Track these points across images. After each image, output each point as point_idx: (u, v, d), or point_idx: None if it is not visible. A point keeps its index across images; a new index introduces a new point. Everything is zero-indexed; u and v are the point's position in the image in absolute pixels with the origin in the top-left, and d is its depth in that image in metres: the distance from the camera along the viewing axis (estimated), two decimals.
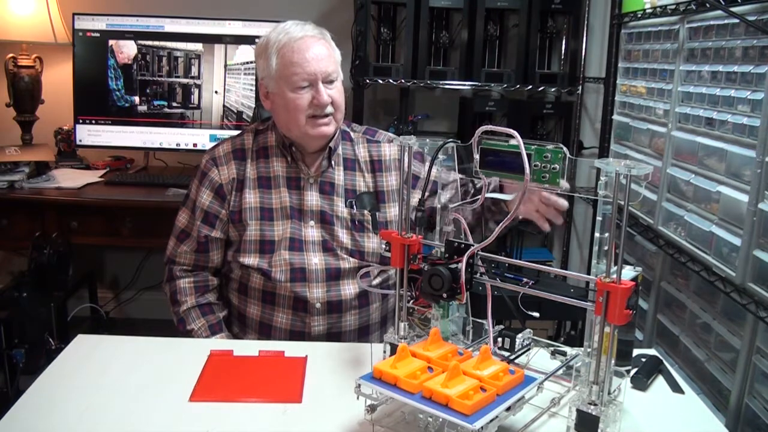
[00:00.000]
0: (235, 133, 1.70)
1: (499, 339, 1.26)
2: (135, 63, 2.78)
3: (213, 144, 1.70)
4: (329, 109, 1.53)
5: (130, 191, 2.57)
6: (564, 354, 1.29)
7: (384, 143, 1.65)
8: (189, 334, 1.56)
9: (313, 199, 1.58)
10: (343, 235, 1.58)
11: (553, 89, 2.79)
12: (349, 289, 1.57)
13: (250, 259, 1.55)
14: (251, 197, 1.57)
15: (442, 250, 1.19)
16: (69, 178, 2.62)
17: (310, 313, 1.55)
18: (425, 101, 3.00)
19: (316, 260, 1.55)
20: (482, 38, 2.70)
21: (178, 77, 2.81)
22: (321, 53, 1.52)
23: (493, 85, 2.73)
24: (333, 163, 1.61)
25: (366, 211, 1.60)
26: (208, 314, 1.59)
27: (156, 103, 2.81)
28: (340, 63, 1.59)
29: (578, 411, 1.04)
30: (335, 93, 1.54)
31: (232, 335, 1.61)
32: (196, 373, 1.27)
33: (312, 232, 1.57)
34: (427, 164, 1.20)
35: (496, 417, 0.98)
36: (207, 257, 1.61)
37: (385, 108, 3.04)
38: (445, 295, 1.14)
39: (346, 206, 1.59)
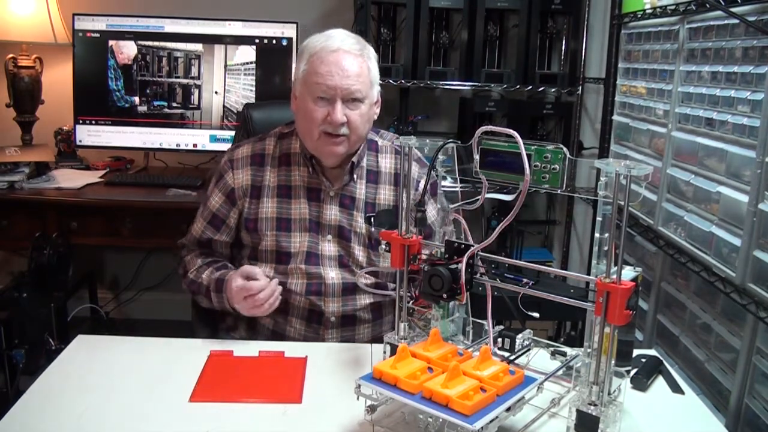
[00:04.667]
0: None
1: (499, 339, 1.26)
2: (135, 63, 2.78)
3: (235, 144, 1.67)
4: (343, 130, 1.46)
5: (130, 192, 2.57)
6: (564, 354, 1.29)
7: (411, 160, 1.61)
8: (200, 290, 1.54)
9: (332, 213, 1.55)
10: (359, 253, 1.55)
11: (553, 89, 2.79)
12: (363, 302, 1.55)
13: (266, 269, 1.53)
14: (268, 206, 1.54)
15: (442, 250, 1.19)
16: (69, 179, 2.62)
17: (325, 326, 1.54)
18: (425, 101, 3.00)
19: (333, 274, 1.53)
20: (482, 38, 2.70)
21: (178, 78, 2.80)
22: (350, 70, 1.44)
23: (493, 85, 2.73)
24: (355, 176, 1.57)
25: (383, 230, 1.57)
26: (214, 264, 1.58)
27: (156, 103, 2.81)
28: (376, 83, 1.52)
29: (578, 411, 1.04)
30: (354, 114, 1.46)
31: (240, 338, 1.59)
32: (196, 373, 1.27)
33: (329, 246, 1.54)
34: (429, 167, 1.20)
35: (496, 417, 0.99)
36: (211, 250, 1.62)
37: (385, 108, 3.02)
38: (445, 296, 1.14)
39: (365, 221, 1.56)
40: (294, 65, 1.50)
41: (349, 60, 1.45)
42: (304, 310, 1.54)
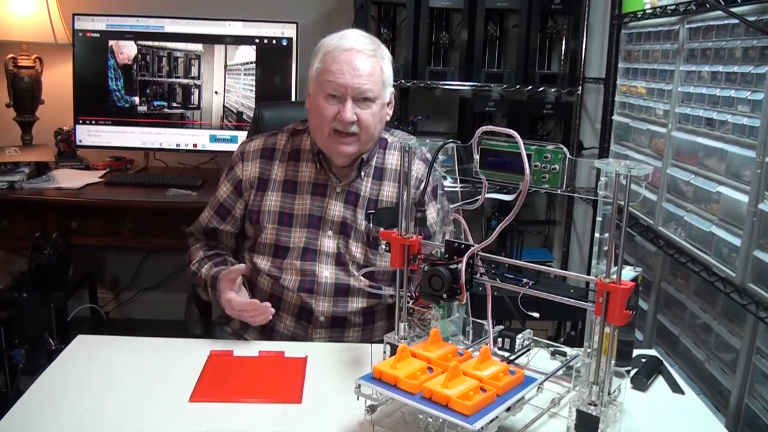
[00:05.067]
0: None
1: (499, 339, 1.26)
2: (135, 63, 2.78)
3: (250, 137, 1.69)
4: (353, 129, 1.47)
5: (130, 192, 2.57)
6: (564, 354, 1.29)
7: (416, 159, 1.57)
8: (199, 283, 1.57)
9: (336, 208, 1.55)
10: (357, 250, 1.55)
11: (553, 89, 2.79)
12: (355, 305, 1.55)
13: (263, 262, 1.55)
14: (272, 200, 1.56)
15: (442, 250, 1.19)
16: (69, 179, 2.62)
17: (314, 325, 1.54)
18: (425, 101, 3.00)
19: (326, 273, 1.54)
20: (482, 38, 2.70)
21: (178, 78, 2.80)
22: (362, 69, 1.45)
23: (493, 85, 2.73)
24: (363, 173, 1.57)
25: (382, 229, 1.53)
26: (215, 258, 1.59)
27: (156, 103, 2.81)
28: (389, 84, 1.52)
29: (578, 411, 1.04)
30: (365, 114, 1.47)
31: (233, 331, 1.61)
32: (196, 373, 1.27)
33: (328, 242, 1.55)
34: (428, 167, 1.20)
35: (496, 417, 0.99)
36: (216, 241, 1.64)
37: None
38: (445, 296, 1.14)
39: (365, 218, 1.56)
40: (294, 65, 1.50)
41: (362, 59, 1.46)
42: (295, 307, 1.54)
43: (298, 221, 1.55)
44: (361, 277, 1.55)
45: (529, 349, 1.28)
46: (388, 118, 1.57)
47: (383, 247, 1.23)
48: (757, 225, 1.46)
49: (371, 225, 1.55)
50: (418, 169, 1.58)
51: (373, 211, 1.56)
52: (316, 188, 1.56)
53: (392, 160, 1.60)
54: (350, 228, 1.55)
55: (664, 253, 1.91)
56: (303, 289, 1.53)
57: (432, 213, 1.49)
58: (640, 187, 1.05)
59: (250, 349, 1.38)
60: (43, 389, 1.20)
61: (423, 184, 1.45)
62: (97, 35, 2.76)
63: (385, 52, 1.52)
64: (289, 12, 2.84)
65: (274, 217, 1.55)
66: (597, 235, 1.02)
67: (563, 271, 1.31)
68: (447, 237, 1.20)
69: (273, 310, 1.45)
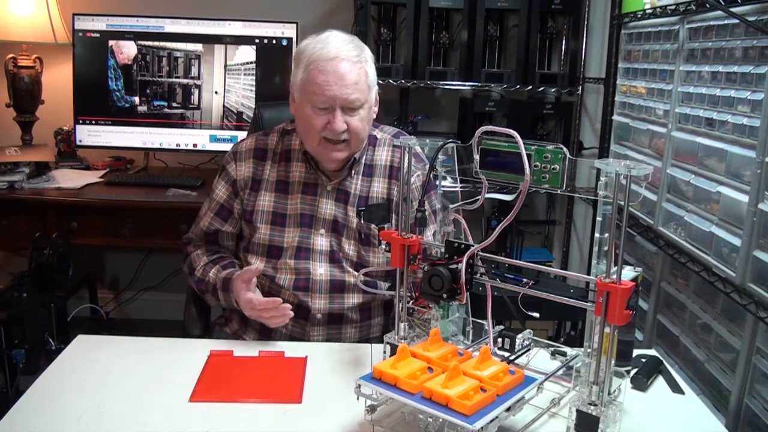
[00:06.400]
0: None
1: (499, 339, 1.26)
2: (135, 63, 2.78)
3: (241, 139, 1.69)
4: (344, 136, 1.48)
5: (130, 192, 2.57)
6: (564, 354, 1.29)
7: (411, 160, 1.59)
8: (207, 289, 1.57)
9: (327, 206, 1.56)
10: (350, 247, 1.56)
11: (553, 89, 2.79)
12: (352, 301, 1.55)
13: (257, 262, 1.56)
14: (265, 200, 1.57)
15: (442, 250, 1.19)
16: (69, 179, 2.62)
17: (311, 323, 1.54)
18: (425, 101, 3.00)
19: (321, 270, 1.54)
20: (482, 38, 2.70)
21: (178, 78, 2.80)
22: (348, 79, 1.44)
23: (493, 85, 2.73)
24: (353, 172, 1.58)
25: (373, 225, 1.56)
26: (220, 261, 1.60)
27: (156, 103, 2.81)
28: (374, 85, 1.52)
29: (578, 411, 1.04)
30: (355, 120, 1.48)
31: (231, 332, 1.62)
32: (196, 373, 1.27)
33: (321, 240, 1.55)
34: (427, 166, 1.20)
35: (496, 417, 0.99)
36: (217, 245, 1.64)
37: (385, 108, 3.03)
38: (445, 296, 1.14)
39: (356, 215, 1.57)
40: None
41: (347, 68, 1.45)
42: (292, 306, 1.54)
43: (290, 221, 1.56)
44: (358, 275, 1.55)
45: (529, 349, 1.28)
46: (374, 116, 1.58)
47: (383, 247, 1.23)
48: (757, 225, 1.46)
49: (362, 221, 1.56)
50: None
51: (363, 209, 1.57)
52: (306, 187, 1.57)
53: (382, 156, 1.61)
54: (342, 226, 1.56)
55: (664, 253, 1.91)
56: (298, 288, 1.53)
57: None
58: (640, 187, 1.05)
59: (250, 349, 1.38)
60: (43, 389, 1.20)
61: (415, 178, 1.44)
62: (97, 35, 2.75)
63: (368, 54, 1.51)
64: (289, 12, 2.84)
65: (267, 217, 1.56)
66: (597, 235, 1.02)
67: (563, 271, 1.32)
68: (447, 237, 1.20)
69: (292, 313, 1.45)
